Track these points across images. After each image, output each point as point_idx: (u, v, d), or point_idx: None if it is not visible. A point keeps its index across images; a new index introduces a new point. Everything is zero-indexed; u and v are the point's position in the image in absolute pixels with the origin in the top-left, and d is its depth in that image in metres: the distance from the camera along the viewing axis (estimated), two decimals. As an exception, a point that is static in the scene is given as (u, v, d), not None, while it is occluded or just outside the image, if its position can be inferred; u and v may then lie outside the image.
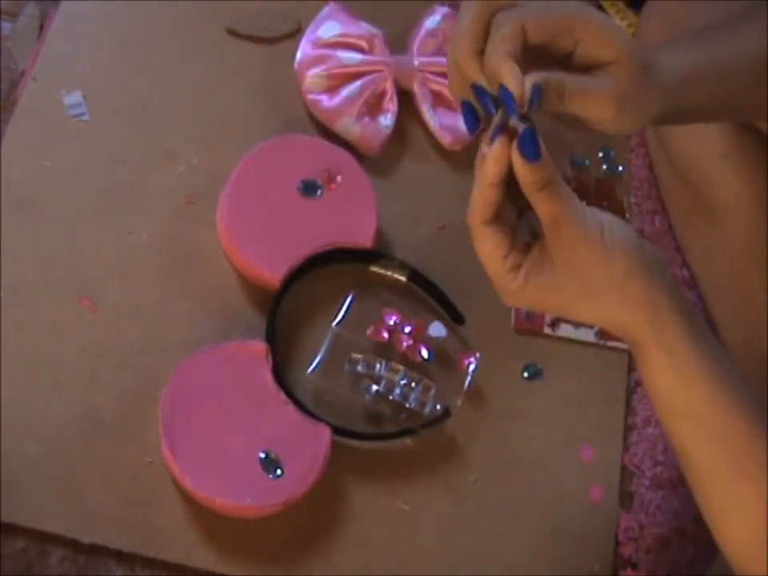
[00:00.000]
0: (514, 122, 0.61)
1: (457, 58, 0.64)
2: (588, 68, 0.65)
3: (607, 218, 0.64)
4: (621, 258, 0.63)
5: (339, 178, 0.91)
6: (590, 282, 0.63)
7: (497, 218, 0.63)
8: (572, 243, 0.62)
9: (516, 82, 0.60)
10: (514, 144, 0.61)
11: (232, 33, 0.99)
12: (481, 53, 0.63)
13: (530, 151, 0.61)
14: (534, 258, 0.64)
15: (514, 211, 0.65)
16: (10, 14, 0.95)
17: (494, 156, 0.61)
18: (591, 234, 0.62)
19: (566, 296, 0.64)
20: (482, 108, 0.63)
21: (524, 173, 0.61)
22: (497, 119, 0.61)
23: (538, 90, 0.61)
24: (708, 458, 0.63)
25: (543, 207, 0.62)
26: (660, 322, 0.63)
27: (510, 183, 0.63)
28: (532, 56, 0.63)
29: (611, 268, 0.63)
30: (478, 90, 0.63)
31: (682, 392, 0.63)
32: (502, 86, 0.60)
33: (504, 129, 0.61)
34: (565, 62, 0.65)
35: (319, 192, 0.90)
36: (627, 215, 1.02)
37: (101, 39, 0.95)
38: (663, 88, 0.67)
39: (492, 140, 0.61)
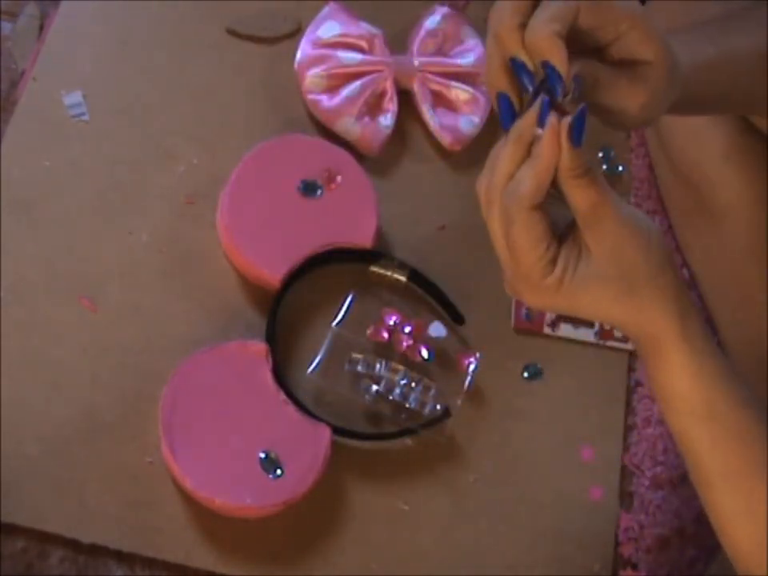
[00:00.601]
0: (562, 101, 0.59)
1: (498, 30, 0.61)
2: (622, 62, 0.64)
3: (632, 208, 0.62)
4: (658, 251, 0.61)
5: (339, 178, 0.91)
6: (630, 271, 0.61)
7: (539, 208, 0.61)
8: (612, 231, 0.60)
9: (565, 65, 0.58)
10: (563, 125, 0.58)
11: (232, 33, 0.99)
12: (524, 26, 0.60)
13: (578, 135, 0.59)
14: (570, 251, 0.61)
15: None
16: (10, 14, 0.95)
17: (550, 136, 0.59)
18: (631, 220, 0.61)
19: (603, 289, 0.61)
20: (520, 85, 0.61)
21: (568, 158, 0.59)
22: (540, 100, 0.59)
23: (578, 79, 0.60)
24: (723, 460, 0.63)
25: (582, 194, 0.60)
26: (686, 320, 0.62)
27: None
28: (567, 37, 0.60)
29: (650, 260, 0.61)
30: (518, 65, 0.60)
31: (703, 391, 0.62)
32: (549, 66, 0.59)
33: (554, 108, 0.59)
34: (596, 51, 0.64)
35: (319, 192, 0.90)
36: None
37: (101, 39, 0.95)
38: (681, 82, 0.67)
39: (543, 120, 0.59)
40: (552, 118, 0.59)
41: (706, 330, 0.64)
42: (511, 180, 0.61)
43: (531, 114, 0.60)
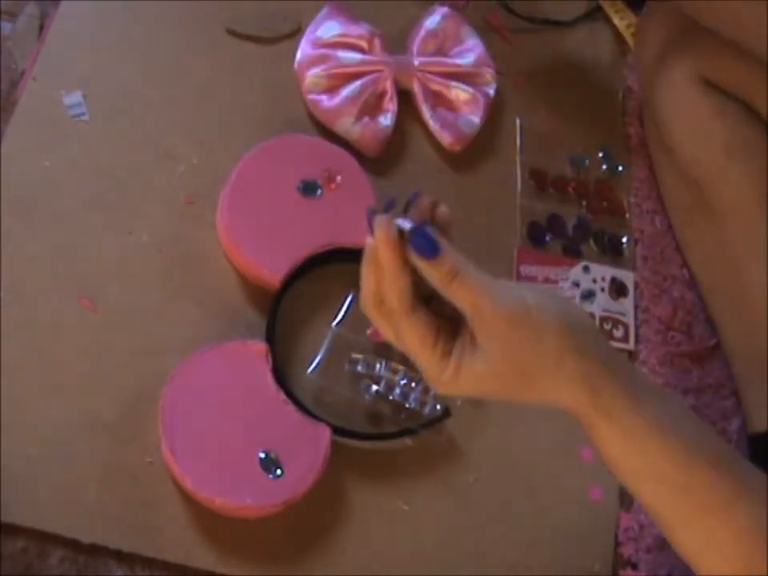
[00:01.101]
0: (401, 222, 0.60)
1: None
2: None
3: (531, 293, 0.61)
4: (551, 336, 0.60)
5: (339, 178, 0.91)
6: (523, 364, 0.60)
7: (418, 306, 0.61)
8: (498, 327, 0.60)
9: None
10: (411, 250, 0.60)
11: (232, 33, 0.99)
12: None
13: (427, 250, 0.59)
14: (463, 344, 0.61)
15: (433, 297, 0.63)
16: (10, 14, 0.95)
17: (381, 247, 0.60)
18: (517, 314, 0.60)
19: (501, 382, 0.61)
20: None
21: (428, 272, 0.60)
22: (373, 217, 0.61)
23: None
24: (675, 509, 0.63)
25: (459, 297, 0.60)
26: (598, 394, 0.61)
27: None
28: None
29: (543, 347, 0.60)
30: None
31: (637, 456, 0.62)
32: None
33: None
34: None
35: (319, 192, 0.90)
36: (627, 215, 1.02)
37: (101, 39, 0.95)
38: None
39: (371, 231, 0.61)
40: (378, 229, 0.60)
41: (635, 391, 0.62)
42: (378, 292, 0.62)
43: (376, 233, 0.61)
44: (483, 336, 0.60)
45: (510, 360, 0.60)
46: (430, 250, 0.60)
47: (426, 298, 0.63)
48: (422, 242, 0.60)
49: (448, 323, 0.63)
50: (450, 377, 0.61)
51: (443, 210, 0.64)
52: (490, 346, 0.60)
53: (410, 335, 0.62)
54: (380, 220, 0.60)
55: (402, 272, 0.60)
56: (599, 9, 1.11)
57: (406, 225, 0.60)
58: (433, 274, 0.60)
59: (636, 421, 0.62)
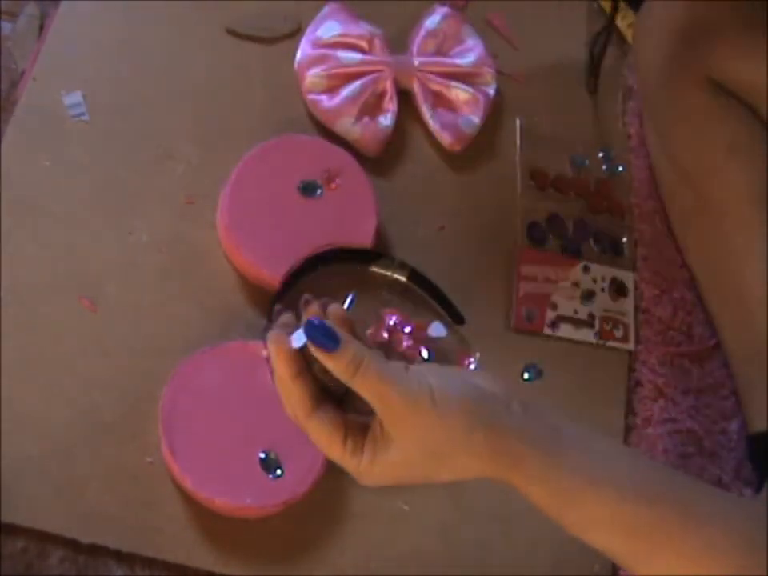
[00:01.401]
0: (296, 334, 0.61)
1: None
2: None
3: (435, 375, 0.61)
4: (458, 414, 0.60)
5: (339, 178, 0.91)
6: (433, 447, 0.61)
7: (321, 404, 0.62)
8: (403, 415, 0.60)
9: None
10: (309, 345, 0.60)
11: (232, 33, 0.99)
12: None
13: (328, 343, 0.60)
14: (374, 436, 0.62)
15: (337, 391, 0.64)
16: (10, 14, 0.95)
17: (273, 353, 0.61)
18: (420, 400, 0.60)
19: (415, 467, 0.62)
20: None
21: (330, 364, 0.60)
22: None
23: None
24: (628, 552, 0.63)
25: (362, 389, 0.60)
26: (519, 462, 0.61)
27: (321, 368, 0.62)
28: None
29: (450, 426, 0.60)
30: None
31: (573, 510, 0.62)
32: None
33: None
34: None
35: (319, 192, 0.90)
36: (627, 215, 1.02)
37: (101, 39, 0.95)
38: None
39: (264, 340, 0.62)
40: (269, 342, 0.61)
41: (555, 449, 0.62)
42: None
43: (269, 346, 0.61)
44: (391, 425, 0.61)
45: (420, 445, 0.61)
46: (330, 342, 0.60)
47: (339, 396, 0.64)
48: (318, 335, 0.60)
49: (358, 419, 0.63)
50: (365, 469, 0.62)
51: (334, 307, 0.65)
52: (399, 434, 0.61)
53: (317, 436, 0.62)
54: (271, 335, 0.62)
55: (295, 381, 0.62)
56: (599, 9, 1.11)
57: (301, 334, 0.61)
58: (335, 366, 0.60)
59: (562, 478, 0.62)
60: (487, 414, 0.61)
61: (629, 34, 1.09)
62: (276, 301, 0.86)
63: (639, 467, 0.65)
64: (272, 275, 0.86)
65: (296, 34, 0.99)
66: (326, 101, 0.95)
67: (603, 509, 0.62)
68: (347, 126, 0.94)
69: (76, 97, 0.92)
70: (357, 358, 0.60)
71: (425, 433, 0.60)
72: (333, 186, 0.91)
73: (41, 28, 0.95)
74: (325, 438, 0.62)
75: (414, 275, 0.91)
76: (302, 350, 0.61)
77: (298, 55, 0.97)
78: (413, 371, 0.62)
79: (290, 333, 0.62)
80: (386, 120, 0.96)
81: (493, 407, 0.62)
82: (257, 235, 0.87)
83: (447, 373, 0.63)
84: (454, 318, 0.91)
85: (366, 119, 0.95)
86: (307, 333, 0.60)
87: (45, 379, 0.82)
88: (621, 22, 1.10)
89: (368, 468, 0.62)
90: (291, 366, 0.61)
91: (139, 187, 0.90)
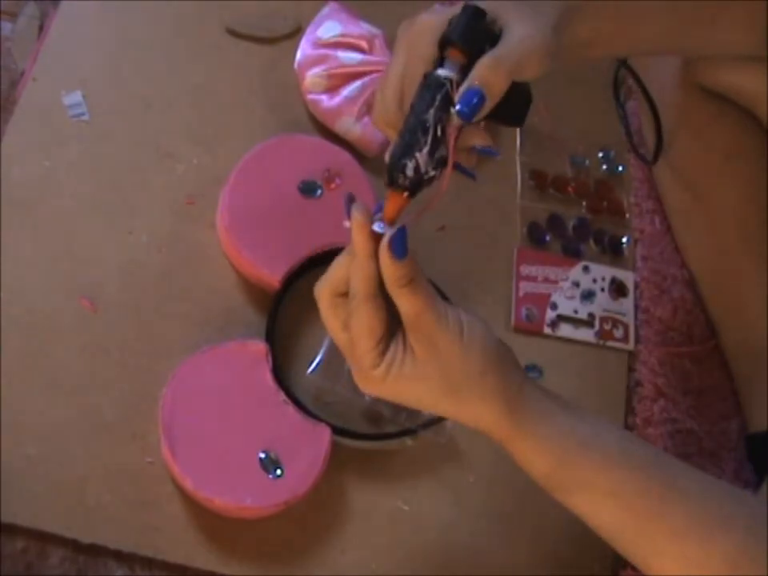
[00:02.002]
0: (379, 227, 0.63)
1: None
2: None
3: (467, 317, 0.65)
4: (478, 354, 0.64)
5: (339, 178, 0.91)
6: (449, 373, 0.64)
7: (379, 297, 0.64)
8: (433, 336, 0.63)
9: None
10: (383, 242, 0.62)
11: (232, 33, 0.99)
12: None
13: (399, 249, 0.62)
14: (397, 346, 0.64)
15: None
16: (10, 14, 0.95)
17: (355, 232, 0.63)
18: (451, 329, 0.64)
19: (427, 386, 0.64)
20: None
21: (391, 269, 0.62)
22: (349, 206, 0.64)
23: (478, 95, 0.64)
24: (609, 518, 0.65)
25: (406, 301, 0.63)
26: (515, 411, 0.65)
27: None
28: None
29: (469, 362, 0.64)
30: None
31: (559, 469, 0.65)
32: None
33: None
34: None
35: (319, 192, 0.90)
36: (627, 215, 1.02)
37: (101, 39, 0.95)
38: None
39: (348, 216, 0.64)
40: (355, 213, 0.63)
41: (551, 409, 0.66)
42: (341, 282, 0.65)
43: (354, 226, 0.63)
44: (418, 342, 0.64)
45: (438, 368, 0.64)
46: (402, 251, 0.63)
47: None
48: (399, 240, 0.63)
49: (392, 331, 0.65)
50: (380, 374, 0.64)
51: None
52: (423, 352, 0.64)
53: (363, 322, 0.64)
54: (359, 209, 0.63)
55: (371, 257, 0.63)
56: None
57: (389, 230, 0.63)
58: (394, 272, 0.63)
59: (553, 434, 0.65)
60: (500, 362, 0.65)
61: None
62: (276, 301, 0.86)
63: (628, 439, 0.68)
64: (272, 275, 0.86)
65: (296, 34, 0.99)
66: (326, 101, 0.95)
67: (587, 472, 0.65)
68: (347, 125, 0.94)
69: (76, 97, 0.92)
70: (413, 272, 0.63)
71: (447, 358, 0.64)
72: (333, 186, 0.91)
73: (41, 28, 0.95)
74: (366, 328, 0.64)
75: (414, 275, 0.91)
76: None
77: (298, 55, 0.97)
78: (452, 307, 0.65)
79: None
80: (386, 120, 0.96)
81: (506, 358, 0.66)
82: (257, 235, 0.87)
83: (479, 320, 0.66)
84: (454, 317, 0.91)
85: (366, 119, 0.95)
86: (392, 234, 0.63)
87: (45, 379, 0.82)
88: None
89: (382, 374, 0.64)
90: (371, 244, 0.63)
91: (139, 187, 0.90)
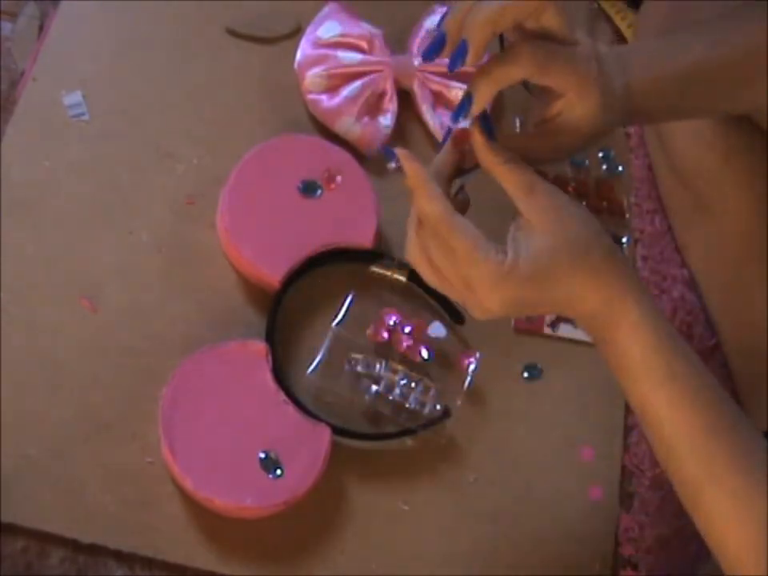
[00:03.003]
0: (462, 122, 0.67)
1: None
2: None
3: (566, 198, 0.66)
4: (583, 230, 0.64)
5: (339, 178, 0.91)
6: (578, 234, 0.64)
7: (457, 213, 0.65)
8: (552, 200, 0.65)
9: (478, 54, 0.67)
10: (473, 126, 0.66)
11: (232, 33, 0.99)
12: None
13: (489, 131, 0.66)
14: (514, 233, 0.65)
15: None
16: (10, 14, 0.95)
17: (403, 159, 0.66)
18: (563, 195, 0.65)
19: (558, 255, 0.63)
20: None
21: (487, 148, 0.66)
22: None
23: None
24: (682, 421, 0.64)
25: (512, 176, 0.65)
26: (628, 285, 0.65)
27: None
28: None
29: (590, 223, 0.65)
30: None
31: (661, 350, 0.64)
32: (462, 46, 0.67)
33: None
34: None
35: (319, 192, 0.90)
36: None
37: (101, 39, 0.95)
38: (622, 81, 0.71)
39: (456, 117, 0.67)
40: (400, 156, 0.66)
41: (648, 294, 0.66)
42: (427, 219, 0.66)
43: (400, 156, 0.66)
44: (535, 212, 0.64)
45: (564, 229, 0.64)
46: (491, 132, 0.66)
47: None
48: (486, 122, 0.66)
49: None
50: (510, 265, 0.63)
51: None
52: (542, 220, 0.64)
53: (461, 237, 0.64)
54: (399, 150, 0.66)
55: (432, 183, 0.65)
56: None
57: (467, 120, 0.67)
58: (490, 151, 0.66)
59: (656, 319, 0.65)
60: (604, 242, 0.65)
61: (629, 34, 1.09)
62: (276, 301, 0.86)
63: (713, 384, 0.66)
64: (272, 275, 0.86)
65: (296, 34, 0.99)
66: (325, 101, 0.95)
67: (681, 364, 0.64)
68: (347, 125, 0.94)
69: (76, 97, 0.92)
70: (510, 154, 0.66)
71: (569, 218, 0.64)
72: (333, 186, 0.91)
73: (40, 28, 0.95)
74: (470, 240, 0.64)
75: (414, 275, 0.90)
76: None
77: (298, 55, 0.97)
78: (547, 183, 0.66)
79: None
80: (386, 120, 0.96)
81: (608, 240, 0.66)
82: (257, 235, 0.87)
83: (578, 204, 0.66)
84: (454, 317, 0.91)
85: (366, 119, 0.95)
86: (479, 120, 0.66)
87: (45, 379, 0.82)
88: (621, 23, 1.10)
89: (513, 260, 0.63)
90: (422, 172, 0.65)
91: (139, 187, 0.91)
